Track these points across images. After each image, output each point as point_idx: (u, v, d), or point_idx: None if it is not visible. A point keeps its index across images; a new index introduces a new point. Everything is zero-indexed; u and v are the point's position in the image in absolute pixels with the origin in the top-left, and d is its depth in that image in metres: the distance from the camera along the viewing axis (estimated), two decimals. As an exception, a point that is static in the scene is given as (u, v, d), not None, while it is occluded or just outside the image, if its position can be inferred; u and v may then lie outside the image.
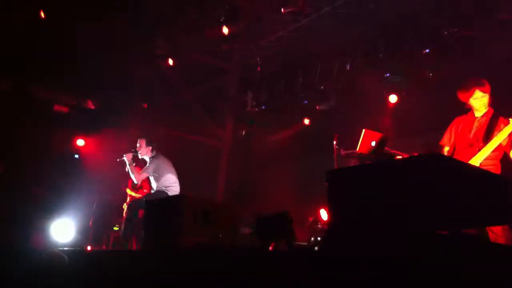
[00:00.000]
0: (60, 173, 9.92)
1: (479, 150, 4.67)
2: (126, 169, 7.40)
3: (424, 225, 2.62)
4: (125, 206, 9.15)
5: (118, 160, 7.47)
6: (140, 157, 7.48)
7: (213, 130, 11.10)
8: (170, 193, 7.25)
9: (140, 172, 7.39)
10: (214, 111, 10.92)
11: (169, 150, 10.54)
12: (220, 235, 4.88)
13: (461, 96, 4.99)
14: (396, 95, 8.60)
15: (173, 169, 7.57)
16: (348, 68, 9.17)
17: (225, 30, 8.85)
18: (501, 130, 4.64)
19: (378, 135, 6.08)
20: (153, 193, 7.41)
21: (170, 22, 8.72)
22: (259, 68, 10.18)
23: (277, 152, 10.00)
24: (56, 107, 10.41)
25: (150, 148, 7.52)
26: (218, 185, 10.52)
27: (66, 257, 4.93)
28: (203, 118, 10.97)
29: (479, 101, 4.86)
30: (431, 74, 7.38)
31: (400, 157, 5.66)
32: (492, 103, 4.93)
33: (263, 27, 9.11)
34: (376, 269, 2.59)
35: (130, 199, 9.15)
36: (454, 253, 2.45)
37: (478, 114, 4.94)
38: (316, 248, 6.23)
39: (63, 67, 9.23)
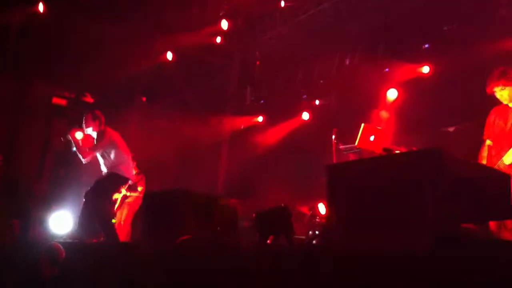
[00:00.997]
0: (59, 166, 9.92)
1: None
2: (73, 149, 7.01)
3: (423, 219, 2.63)
4: (118, 197, 9.15)
5: (62, 139, 7.09)
6: (86, 132, 7.01)
7: (213, 124, 11.09)
8: (122, 173, 6.83)
9: (89, 149, 6.92)
10: (213, 106, 10.91)
11: (169, 144, 10.57)
12: (219, 229, 4.89)
13: (486, 89, 4.90)
14: (396, 90, 8.61)
15: (124, 144, 7.07)
16: (347, 63, 9.18)
17: (224, 25, 8.84)
18: None
19: (377, 129, 6.07)
20: (105, 174, 6.95)
21: (171, 17, 8.69)
22: (258, 63, 10.16)
23: (276, 147, 10.00)
24: (55, 100, 10.38)
25: (97, 122, 6.97)
26: (218, 179, 10.53)
27: (63, 249, 4.94)
28: (203, 113, 10.95)
29: (499, 95, 4.80)
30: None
31: (399, 152, 5.66)
32: None
33: (262, 22, 9.10)
34: (373, 263, 2.60)
35: (122, 197, 9.15)
36: (453, 249, 2.46)
37: (511, 104, 4.84)
38: (314, 241, 6.25)
39: (63, 60, 9.20)
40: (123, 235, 9.02)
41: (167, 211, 4.81)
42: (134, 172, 9.33)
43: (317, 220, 7.59)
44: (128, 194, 9.13)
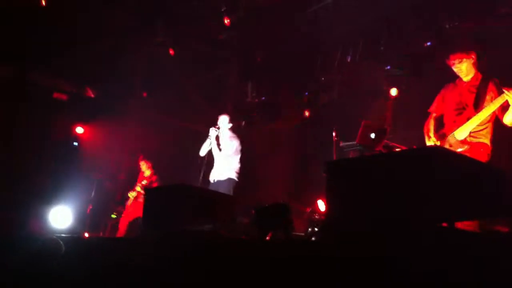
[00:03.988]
0: (59, 160, 9.92)
1: (469, 119, 4.67)
2: (209, 146, 7.19)
3: (423, 218, 2.62)
4: (130, 202, 9.15)
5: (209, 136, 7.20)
6: (218, 135, 7.23)
7: (214, 120, 11.08)
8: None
9: (232, 154, 7.18)
10: (214, 101, 10.89)
11: (169, 139, 10.57)
12: (219, 225, 4.88)
13: (447, 63, 5.00)
14: (397, 88, 8.59)
15: None
16: (349, 60, 9.16)
17: (226, 20, 8.82)
18: (491, 96, 4.63)
19: (378, 127, 6.07)
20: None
21: (170, 11, 8.66)
22: (259, 59, 10.14)
23: (277, 143, 9.99)
24: (56, 95, 10.38)
25: (231, 125, 7.38)
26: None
27: (62, 243, 4.94)
28: (204, 108, 10.94)
29: (457, 68, 4.87)
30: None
31: (399, 149, 5.66)
32: (479, 68, 4.91)
33: (265, 16, 9.06)
34: (372, 261, 2.59)
35: (137, 195, 9.14)
36: (453, 247, 2.46)
37: (465, 79, 4.92)
38: (313, 238, 6.25)
39: (63, 54, 9.18)
40: (123, 231, 9.07)
41: (168, 205, 4.81)
42: (149, 172, 9.35)
43: (316, 217, 7.58)
44: (143, 192, 9.09)
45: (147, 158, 9.55)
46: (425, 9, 7.49)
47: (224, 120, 7.31)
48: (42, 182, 9.28)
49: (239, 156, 7.22)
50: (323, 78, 9.79)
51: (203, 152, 7.23)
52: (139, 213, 9.00)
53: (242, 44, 9.83)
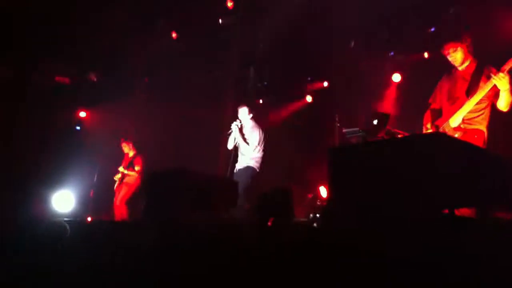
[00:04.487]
0: (62, 144, 9.94)
1: (463, 104, 4.70)
2: (234, 139, 7.27)
3: (423, 204, 2.63)
4: (115, 184, 9.32)
5: (228, 133, 7.33)
6: (236, 129, 7.27)
7: (216, 105, 11.07)
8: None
9: (255, 144, 7.18)
10: (216, 87, 10.86)
11: (171, 125, 10.57)
12: (220, 209, 4.90)
13: (442, 55, 5.02)
14: (400, 74, 8.57)
15: None
16: (352, 45, 9.13)
17: (229, 3, 8.78)
18: (486, 80, 4.62)
19: (380, 113, 6.06)
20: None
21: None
22: (261, 45, 10.11)
23: (279, 129, 9.98)
24: (58, 78, 10.36)
25: (252, 115, 7.36)
26: (220, 159, 10.53)
27: (68, 226, 4.97)
28: (206, 94, 10.92)
29: (452, 57, 4.89)
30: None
31: (401, 135, 5.65)
32: (474, 56, 4.91)
33: (266, 2, 9.02)
34: (373, 247, 2.60)
35: (121, 176, 9.29)
36: (455, 233, 2.47)
37: (461, 67, 4.94)
38: (315, 224, 6.27)
39: (66, 39, 9.16)
40: (119, 214, 9.15)
41: (169, 189, 4.82)
42: (132, 152, 9.51)
43: (318, 203, 7.62)
44: (125, 172, 9.29)
45: (128, 140, 9.66)
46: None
47: (243, 112, 7.29)
48: (45, 166, 9.31)
49: (261, 145, 7.21)
50: (326, 64, 9.77)
51: (230, 145, 7.33)
52: (129, 193, 9.18)
53: (244, 29, 9.79)
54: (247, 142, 7.17)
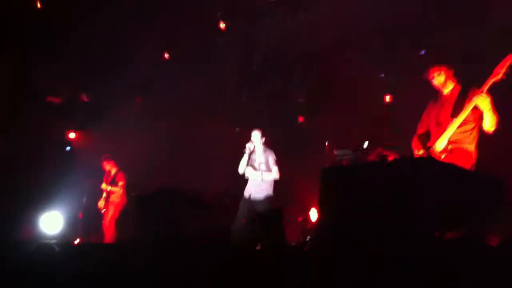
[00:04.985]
0: (51, 165, 9.87)
1: (448, 126, 4.74)
2: (243, 162, 7.30)
3: (414, 225, 2.62)
4: (101, 204, 9.28)
5: (244, 151, 7.29)
6: (248, 152, 7.29)
7: (210, 124, 11.08)
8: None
9: (271, 167, 7.25)
10: (210, 105, 10.86)
11: (164, 145, 10.54)
12: (210, 232, 4.86)
13: (427, 80, 5.11)
14: (391, 95, 8.61)
15: None
16: (344, 67, 9.18)
17: (222, 25, 8.83)
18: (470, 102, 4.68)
19: (371, 135, 6.08)
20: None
21: (166, 15, 8.64)
22: (255, 66, 10.15)
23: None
24: (49, 98, 10.33)
25: (264, 139, 7.39)
26: (211, 180, 10.50)
27: (56, 248, 4.90)
28: (199, 113, 10.91)
29: (437, 80, 4.98)
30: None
31: (392, 158, 5.66)
32: (459, 79, 5.00)
33: (260, 22, 9.08)
34: (362, 267, 2.59)
35: (106, 195, 9.27)
36: (443, 254, 2.45)
37: (446, 92, 5.02)
38: (305, 247, 6.23)
39: (59, 58, 9.16)
40: (109, 235, 9.08)
41: (160, 210, 4.78)
42: (114, 170, 9.48)
43: (308, 226, 7.58)
44: (109, 188, 9.26)
45: (109, 159, 9.65)
46: (420, 17, 7.53)
47: (257, 135, 7.32)
48: (34, 187, 9.23)
49: (275, 168, 7.26)
50: (317, 84, 9.82)
51: (241, 169, 7.33)
52: (116, 212, 9.14)
53: (237, 50, 9.84)
54: (254, 166, 7.25)
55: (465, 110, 4.62)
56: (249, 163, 7.30)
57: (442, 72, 4.94)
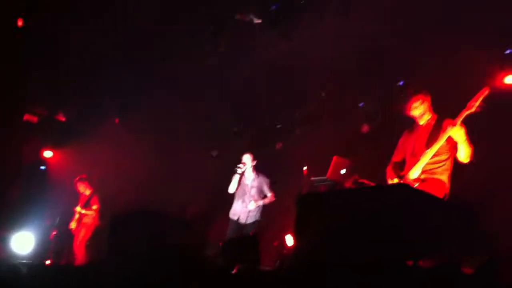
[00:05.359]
0: (25, 184, 9.71)
1: (422, 156, 4.77)
2: (234, 182, 7.36)
3: (388, 254, 2.63)
4: (73, 225, 9.16)
5: (236, 170, 7.36)
6: (240, 172, 7.36)
7: (187, 147, 11.04)
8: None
9: (266, 191, 7.43)
10: (190, 127, 10.83)
11: (142, 164, 10.45)
12: (185, 255, 4.81)
13: (402, 110, 5.15)
14: (369, 125, 8.70)
15: None
16: (323, 95, 9.28)
17: (207, 48, 8.87)
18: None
19: (348, 162, 6.13)
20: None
21: (149, 37, 8.63)
22: (236, 88, 10.18)
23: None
24: (26, 117, 10.20)
25: (255, 163, 7.49)
26: (189, 203, 10.43)
27: (24, 269, 4.79)
28: (176, 135, 10.87)
29: (418, 110, 5.00)
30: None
31: (368, 185, 5.70)
32: (435, 110, 5.05)
33: (243, 48, 9.14)
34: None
35: (79, 217, 9.16)
36: (417, 281, 2.46)
37: (422, 122, 5.05)
38: (280, 272, 6.19)
39: (36, 76, 9.06)
40: (80, 256, 8.94)
41: (135, 232, 4.73)
42: (88, 191, 9.39)
43: (284, 251, 7.55)
44: (83, 211, 9.18)
45: (83, 180, 9.55)
46: (399, 49, 7.66)
47: (248, 159, 7.42)
48: (6, 206, 9.05)
49: (270, 194, 7.42)
50: (297, 112, 9.89)
51: (232, 188, 7.37)
52: (88, 234, 9.03)
53: (221, 74, 9.86)
54: (260, 191, 7.35)
55: (439, 141, 4.65)
56: (239, 185, 7.36)
57: (423, 102, 4.97)
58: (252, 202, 7.15)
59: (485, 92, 4.51)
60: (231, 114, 10.52)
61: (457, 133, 4.54)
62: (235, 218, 7.22)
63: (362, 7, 7.24)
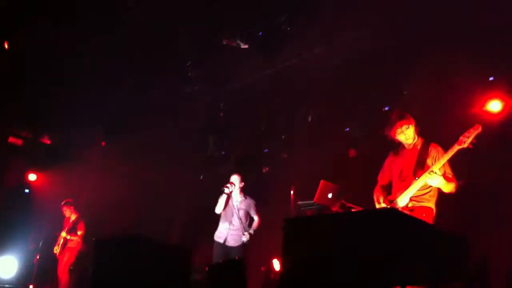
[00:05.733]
0: (9, 207, 9.61)
1: (410, 184, 4.74)
2: (221, 202, 7.21)
3: (376, 280, 2.62)
4: (57, 250, 9.07)
5: (223, 190, 7.17)
6: (228, 192, 7.17)
7: (173, 172, 11.00)
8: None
9: (253, 214, 7.37)
10: (174, 151, 10.82)
11: (126, 189, 10.40)
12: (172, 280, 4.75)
13: (387, 133, 5.10)
14: (354, 149, 8.74)
15: None
16: (310, 119, 9.33)
17: (190, 74, 8.90)
18: (432, 160, 4.73)
19: (335, 187, 6.13)
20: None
21: (135, 60, 8.64)
22: (222, 114, 10.21)
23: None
24: (11, 139, 10.13)
25: (243, 185, 7.38)
26: (174, 226, 10.37)
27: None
28: (162, 160, 10.85)
29: (404, 135, 4.96)
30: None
31: (355, 210, 5.70)
32: (420, 133, 5.04)
33: (229, 72, 9.19)
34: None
35: (63, 242, 9.07)
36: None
37: (408, 146, 5.03)
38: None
39: (21, 100, 9.02)
40: (63, 281, 8.85)
41: (118, 258, 4.66)
42: (74, 216, 9.33)
43: (271, 276, 7.50)
44: (68, 237, 9.11)
45: (69, 204, 9.50)
46: (386, 73, 7.75)
47: (236, 180, 7.32)
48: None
49: (257, 218, 7.38)
50: (283, 136, 9.92)
51: (219, 209, 7.25)
52: (72, 259, 8.93)
53: (206, 98, 9.89)
54: (247, 214, 7.29)
55: (422, 178, 4.63)
56: (226, 206, 7.23)
57: (410, 126, 4.94)
58: (247, 234, 7.03)
59: (478, 129, 4.47)
60: (218, 137, 10.54)
61: (433, 180, 4.56)
62: (221, 241, 7.09)
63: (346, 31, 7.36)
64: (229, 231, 7.11)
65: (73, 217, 9.40)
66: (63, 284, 8.85)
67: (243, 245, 7.04)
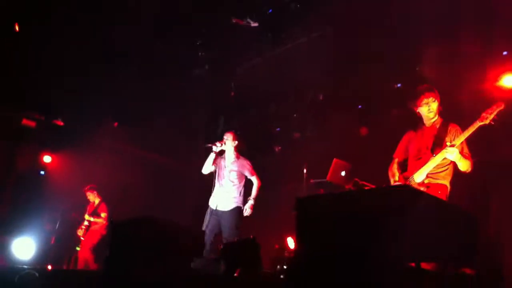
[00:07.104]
0: (25, 189, 9.72)
1: (427, 161, 4.75)
2: (209, 161, 6.67)
3: (391, 256, 2.63)
4: (80, 232, 9.20)
5: (211, 147, 6.60)
6: (216, 150, 6.58)
7: (184, 152, 11.03)
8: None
9: (248, 175, 6.73)
10: (186, 134, 10.86)
11: (139, 171, 10.46)
12: (186, 260, 4.80)
13: (412, 104, 5.06)
14: (366, 127, 8.71)
15: None
16: (321, 98, 9.29)
17: (200, 54, 8.90)
18: (450, 139, 4.70)
19: (348, 165, 6.13)
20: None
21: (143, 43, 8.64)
22: (232, 94, 10.19)
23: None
24: (25, 121, 10.20)
25: (237, 143, 6.78)
26: (186, 208, 10.42)
27: (37, 274, 4.82)
28: (174, 141, 10.88)
29: (428, 107, 4.90)
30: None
31: (369, 187, 5.70)
32: (441, 113, 5.00)
33: (239, 53, 9.16)
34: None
35: (88, 224, 9.24)
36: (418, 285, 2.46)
37: (428, 123, 5.00)
38: (282, 276, 6.20)
39: (34, 81, 9.06)
40: (83, 261, 8.98)
41: (134, 239, 4.71)
42: (98, 200, 9.47)
43: (285, 254, 7.54)
44: (92, 219, 9.26)
45: (93, 189, 9.75)
46: (396, 50, 7.68)
47: (228, 137, 6.76)
48: (5, 212, 9.07)
49: (255, 177, 6.76)
50: (295, 115, 9.90)
51: (206, 169, 6.75)
52: (95, 240, 9.05)
53: (215, 79, 9.88)
54: (241, 176, 6.68)
55: (441, 154, 4.63)
56: (217, 168, 6.72)
57: (435, 100, 4.89)
58: (248, 210, 6.48)
59: (501, 106, 4.45)
60: (229, 118, 10.54)
61: (451, 155, 4.55)
62: (213, 206, 6.55)
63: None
64: (220, 195, 6.58)
65: (97, 201, 9.69)
66: (87, 264, 9.03)
67: (236, 209, 6.51)
